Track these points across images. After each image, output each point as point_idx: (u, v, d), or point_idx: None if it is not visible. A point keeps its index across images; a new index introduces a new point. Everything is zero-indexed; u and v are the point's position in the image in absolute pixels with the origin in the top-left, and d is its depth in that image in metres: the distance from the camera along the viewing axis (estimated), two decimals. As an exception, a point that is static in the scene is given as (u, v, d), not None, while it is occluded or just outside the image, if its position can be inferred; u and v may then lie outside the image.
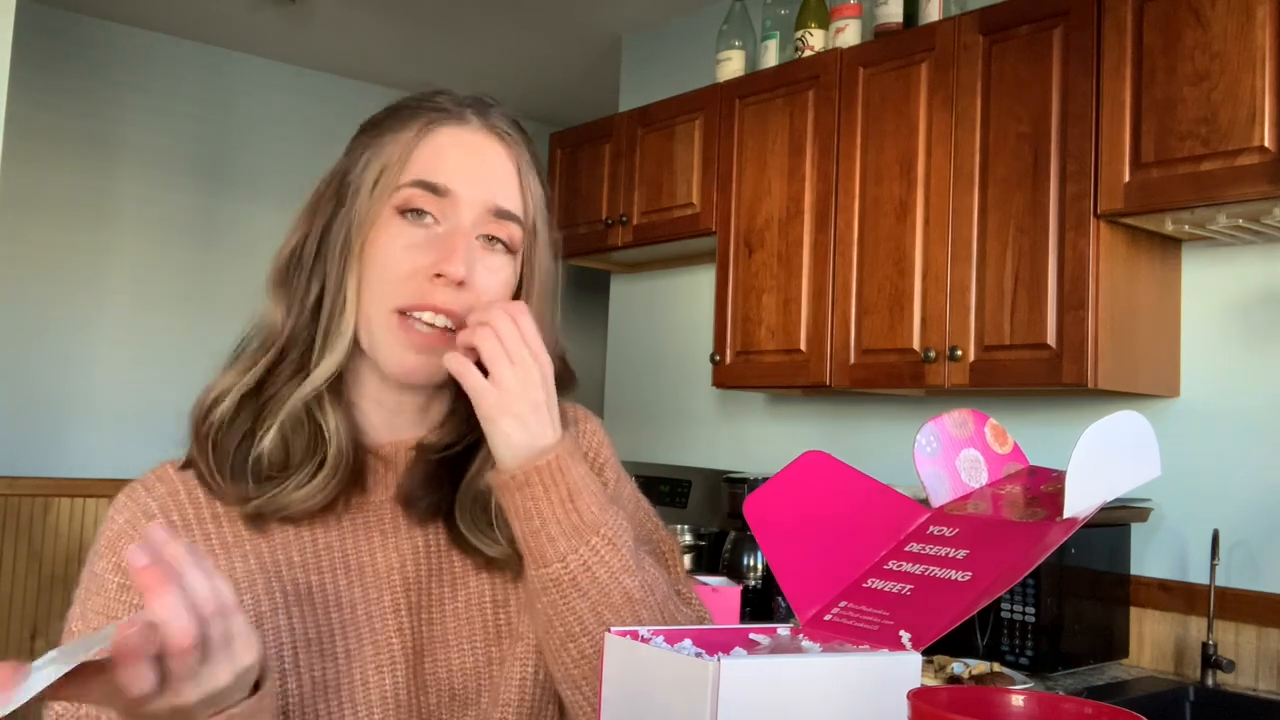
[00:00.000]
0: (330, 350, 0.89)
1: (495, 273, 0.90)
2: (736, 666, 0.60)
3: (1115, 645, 2.38)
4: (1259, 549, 2.25)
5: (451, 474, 0.93)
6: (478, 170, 0.90)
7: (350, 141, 0.95)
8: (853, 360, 2.63)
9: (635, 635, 0.68)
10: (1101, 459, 0.68)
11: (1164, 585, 2.38)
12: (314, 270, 0.90)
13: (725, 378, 2.95)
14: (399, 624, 0.90)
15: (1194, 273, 2.38)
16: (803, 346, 2.74)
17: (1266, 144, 1.93)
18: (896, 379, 2.53)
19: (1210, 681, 2.21)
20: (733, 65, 3.07)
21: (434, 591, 0.93)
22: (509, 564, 0.93)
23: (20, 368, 3.90)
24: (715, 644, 0.69)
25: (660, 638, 0.68)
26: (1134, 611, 2.41)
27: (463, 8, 3.87)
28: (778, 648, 0.71)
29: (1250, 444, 2.27)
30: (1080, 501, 0.67)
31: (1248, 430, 2.28)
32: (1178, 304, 2.39)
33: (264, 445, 0.87)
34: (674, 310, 3.62)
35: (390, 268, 0.88)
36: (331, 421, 0.89)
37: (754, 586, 2.80)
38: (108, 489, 3.95)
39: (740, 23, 3.11)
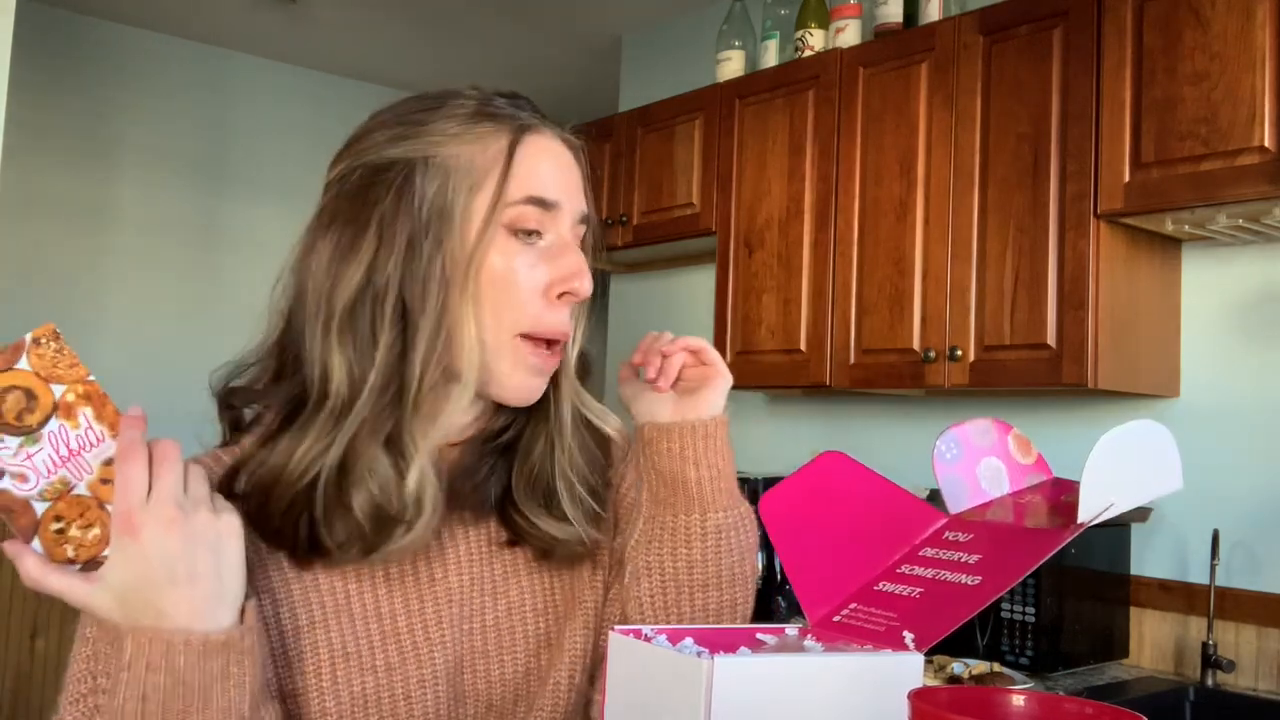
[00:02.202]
0: (461, 393, 0.85)
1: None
2: (730, 665, 0.60)
3: (1115, 645, 2.38)
4: (1259, 549, 2.26)
5: (493, 457, 0.92)
6: (570, 180, 0.89)
7: (373, 150, 0.87)
8: (853, 360, 2.63)
9: (639, 634, 0.68)
10: (1117, 466, 0.68)
11: (1164, 585, 2.38)
12: (394, 309, 0.83)
13: (725, 378, 2.95)
14: (441, 636, 0.89)
15: (1194, 273, 2.38)
16: (803, 346, 2.74)
17: (1266, 144, 1.94)
18: (896, 379, 2.53)
19: (1210, 681, 2.21)
20: (733, 65, 3.07)
21: (475, 601, 0.91)
22: (568, 548, 0.92)
23: (20, 368, 3.89)
24: (720, 644, 0.69)
25: (663, 636, 0.68)
26: (1134, 611, 2.41)
27: (463, 8, 3.87)
28: (781, 648, 0.71)
29: (1250, 444, 2.27)
30: (1093, 506, 0.67)
31: (1248, 430, 2.28)
32: (1178, 304, 2.39)
33: (360, 503, 0.82)
34: (674, 310, 3.62)
35: (515, 290, 0.85)
36: (424, 462, 0.84)
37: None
38: (107, 489, 3.94)
39: (740, 23, 3.11)
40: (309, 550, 0.83)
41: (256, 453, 0.84)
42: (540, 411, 0.93)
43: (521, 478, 0.92)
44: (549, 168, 0.87)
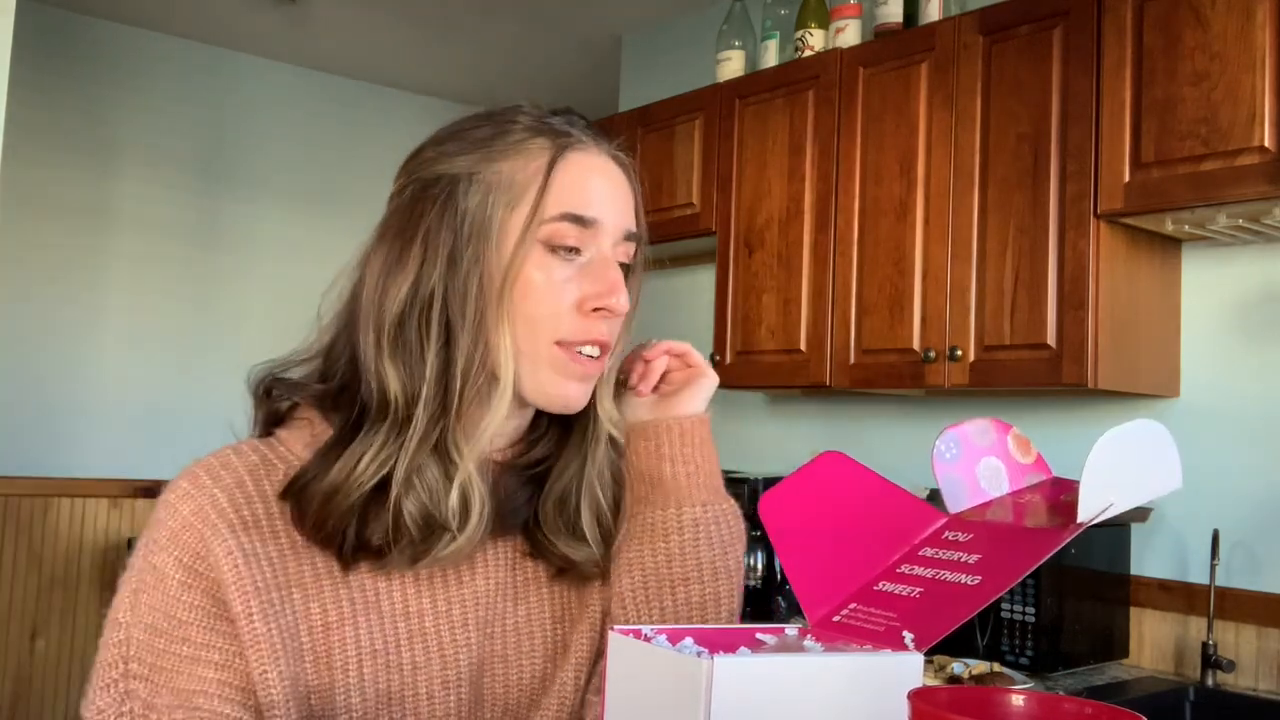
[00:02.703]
0: (499, 401, 0.87)
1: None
2: (730, 665, 0.60)
3: (1115, 645, 2.38)
4: (1259, 549, 2.26)
5: (531, 484, 0.94)
6: (613, 198, 0.90)
7: (424, 166, 0.90)
8: (853, 360, 2.63)
9: (638, 634, 0.68)
10: (1117, 465, 0.68)
11: (1164, 585, 2.38)
12: (439, 321, 0.86)
13: (725, 378, 2.95)
14: (466, 639, 0.90)
15: (1194, 273, 2.38)
16: (803, 346, 2.74)
17: (1266, 144, 1.94)
18: (896, 379, 2.53)
19: (1210, 681, 2.21)
20: (733, 65, 3.07)
21: (497, 606, 0.92)
22: (583, 568, 0.94)
23: (20, 368, 3.90)
24: (719, 644, 0.69)
25: (663, 636, 0.68)
26: (1134, 611, 2.41)
27: (463, 8, 3.87)
28: (781, 648, 0.71)
29: (1250, 444, 2.27)
30: (1092, 505, 0.67)
31: (1248, 430, 2.28)
32: (1178, 304, 2.39)
33: (410, 510, 0.84)
34: (674, 310, 3.62)
35: (550, 303, 0.87)
36: (471, 470, 0.86)
37: (753, 586, 2.80)
38: (108, 489, 3.95)
39: (740, 23, 3.11)
40: (357, 552, 0.85)
41: (314, 463, 0.85)
42: (578, 430, 0.95)
43: (549, 499, 0.93)
44: (592, 185, 0.89)
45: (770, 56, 2.97)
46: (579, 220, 0.87)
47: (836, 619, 0.73)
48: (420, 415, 0.84)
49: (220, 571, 0.82)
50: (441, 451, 0.85)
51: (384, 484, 0.84)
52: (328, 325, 0.92)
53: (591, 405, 0.94)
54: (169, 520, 0.84)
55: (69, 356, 3.99)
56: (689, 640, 0.68)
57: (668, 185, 3.15)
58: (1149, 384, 2.33)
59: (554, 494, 0.93)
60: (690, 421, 0.94)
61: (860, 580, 0.75)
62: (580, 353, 0.89)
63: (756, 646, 0.71)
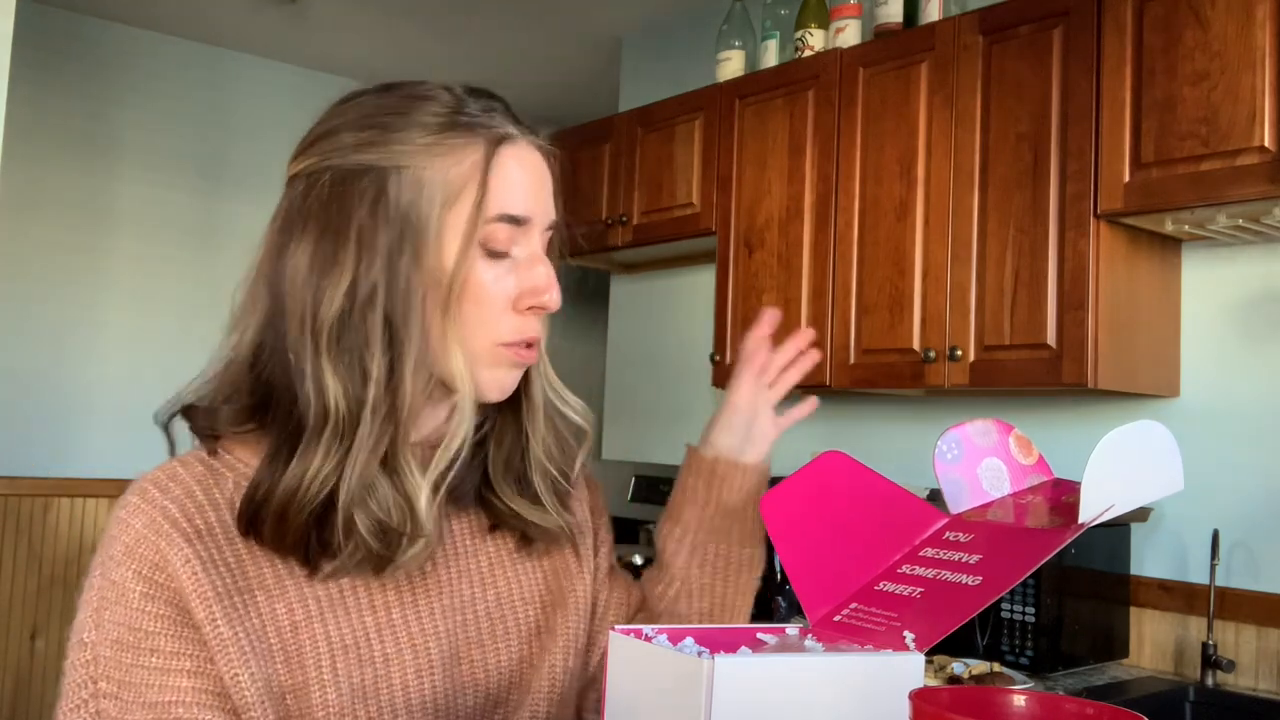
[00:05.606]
0: (462, 416, 0.86)
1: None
2: (731, 664, 0.60)
3: (1115, 645, 2.38)
4: (1259, 549, 2.26)
5: (475, 456, 0.93)
6: (542, 192, 0.90)
7: (343, 153, 0.86)
8: (853, 360, 2.63)
9: (639, 634, 0.68)
10: (1119, 466, 0.68)
11: (1164, 585, 2.38)
12: (380, 323, 0.83)
13: (725, 378, 2.94)
14: (435, 627, 0.90)
15: (1194, 273, 2.38)
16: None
17: (1266, 144, 1.94)
18: (896, 379, 2.53)
19: (1210, 681, 2.21)
20: (733, 65, 3.07)
21: (465, 592, 0.92)
22: (549, 535, 0.95)
23: (20, 367, 3.89)
24: (721, 643, 0.68)
25: (664, 636, 0.68)
26: (1134, 611, 2.41)
27: (463, 8, 3.87)
28: (781, 648, 0.71)
29: (1250, 444, 2.27)
30: (1094, 506, 0.67)
31: (1248, 430, 2.28)
32: (1178, 304, 2.39)
33: (364, 521, 0.82)
34: (674, 310, 3.62)
35: (489, 303, 0.86)
36: (419, 475, 0.85)
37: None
38: (108, 489, 3.95)
39: (740, 23, 3.11)
40: (321, 559, 0.84)
41: (262, 477, 0.83)
42: (510, 402, 0.94)
43: (497, 465, 0.94)
44: (522, 180, 0.87)
45: (770, 56, 2.97)
46: (514, 220, 0.86)
47: (837, 619, 0.73)
48: (368, 422, 0.82)
49: (179, 580, 0.80)
50: (391, 458, 0.84)
51: (336, 494, 0.82)
52: (249, 331, 0.89)
53: (524, 381, 0.93)
54: (123, 536, 0.83)
55: (69, 356, 3.99)
56: (690, 640, 0.68)
57: (668, 185, 3.15)
58: (1149, 384, 2.33)
59: (500, 462, 0.94)
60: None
61: (861, 580, 0.75)
62: (521, 345, 0.89)
63: (757, 646, 0.71)
